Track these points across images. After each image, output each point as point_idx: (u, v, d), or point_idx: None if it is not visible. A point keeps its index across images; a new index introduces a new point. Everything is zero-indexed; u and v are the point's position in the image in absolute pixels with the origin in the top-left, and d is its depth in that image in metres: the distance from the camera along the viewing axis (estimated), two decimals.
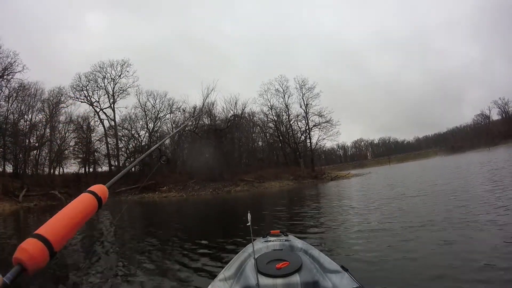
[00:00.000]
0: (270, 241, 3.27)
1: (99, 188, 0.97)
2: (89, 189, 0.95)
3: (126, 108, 40.87)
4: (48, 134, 37.75)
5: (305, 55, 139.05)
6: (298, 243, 3.16)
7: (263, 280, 2.37)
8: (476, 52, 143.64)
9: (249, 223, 2.94)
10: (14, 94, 34.61)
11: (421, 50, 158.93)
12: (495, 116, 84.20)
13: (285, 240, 3.24)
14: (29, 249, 0.67)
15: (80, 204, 0.87)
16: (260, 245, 3.14)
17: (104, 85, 40.46)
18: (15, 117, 35.00)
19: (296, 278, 2.40)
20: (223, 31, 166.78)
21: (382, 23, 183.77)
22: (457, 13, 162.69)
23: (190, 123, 37.61)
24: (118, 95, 40.77)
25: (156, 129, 40.17)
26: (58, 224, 0.76)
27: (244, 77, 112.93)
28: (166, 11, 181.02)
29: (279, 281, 2.37)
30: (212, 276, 3.29)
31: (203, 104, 39.33)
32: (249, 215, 3.01)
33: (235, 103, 42.40)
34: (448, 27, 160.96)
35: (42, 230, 0.73)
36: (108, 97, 40.57)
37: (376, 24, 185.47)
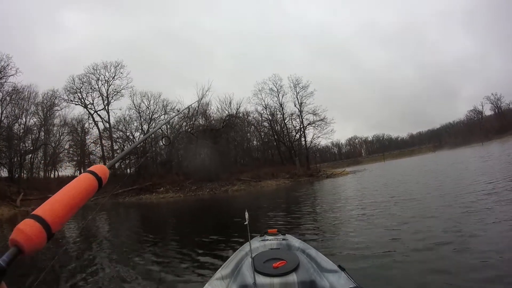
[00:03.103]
0: (267, 240, 3.30)
1: (100, 168, 0.93)
2: (89, 169, 0.92)
3: (120, 109, 40.77)
4: (43, 138, 37.63)
5: (295, 52, 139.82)
6: (295, 242, 3.18)
7: (260, 279, 2.39)
8: (470, 46, 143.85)
9: (246, 222, 2.94)
10: (8, 98, 34.44)
11: (414, 44, 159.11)
12: (487, 111, 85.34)
13: (283, 239, 3.27)
14: (26, 230, 0.65)
15: (80, 184, 0.84)
16: (257, 244, 3.17)
17: (98, 87, 40.29)
18: (9, 121, 34.84)
19: (293, 277, 2.41)
20: (215, 31, 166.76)
21: (374, 16, 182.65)
22: (451, 5, 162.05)
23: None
24: (112, 97, 40.64)
25: (150, 130, 39.95)
26: (56, 204, 0.74)
27: (234, 75, 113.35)
28: (155, 10, 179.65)
29: (276, 280, 2.38)
30: (209, 275, 3.35)
31: (199, 102, 39.44)
32: (246, 214, 3.01)
33: (230, 103, 42.66)
34: (442, 20, 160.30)
35: (39, 210, 0.70)
36: (102, 99, 40.41)
37: (367, 16, 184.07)
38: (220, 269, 2.63)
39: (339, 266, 2.45)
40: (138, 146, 38.94)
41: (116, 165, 38.96)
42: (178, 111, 38.23)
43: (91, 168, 0.92)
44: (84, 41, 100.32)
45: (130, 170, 39.01)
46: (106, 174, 0.95)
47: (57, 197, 0.76)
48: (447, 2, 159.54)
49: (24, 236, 0.64)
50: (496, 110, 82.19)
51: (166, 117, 39.87)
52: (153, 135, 39.20)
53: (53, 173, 40.34)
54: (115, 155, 39.11)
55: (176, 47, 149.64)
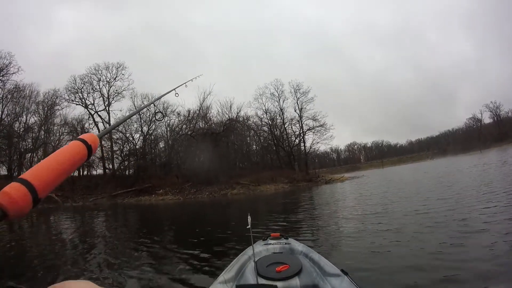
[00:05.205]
0: (270, 244, 3.31)
1: (90, 137, 0.90)
2: (79, 137, 0.88)
3: (120, 111, 40.67)
4: (43, 137, 37.67)
5: (294, 54, 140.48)
6: (298, 246, 3.18)
7: (263, 283, 2.39)
8: (470, 51, 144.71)
9: (249, 226, 2.87)
10: (9, 96, 34.54)
11: (413, 47, 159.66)
12: (486, 119, 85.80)
13: (285, 243, 3.28)
14: (11, 193, 0.63)
15: (69, 151, 0.81)
16: (260, 248, 3.18)
17: (99, 88, 40.37)
18: (10, 119, 34.92)
19: (296, 281, 2.41)
20: (215, 36, 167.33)
21: (372, 18, 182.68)
22: (450, 6, 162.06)
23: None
24: (113, 98, 40.71)
25: (150, 132, 40.01)
26: (44, 170, 0.72)
27: (231, 75, 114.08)
28: (155, 10, 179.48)
29: (279, 284, 2.35)
30: (212, 278, 3.33)
31: (200, 105, 39.75)
32: (249, 218, 2.93)
33: (230, 106, 43.09)
34: (442, 24, 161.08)
35: (27, 175, 0.68)
36: (103, 99, 40.46)
37: (365, 18, 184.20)
38: (223, 273, 2.63)
39: (342, 270, 2.46)
40: (137, 146, 39.17)
41: (116, 166, 39.10)
42: (178, 111, 38.36)
43: (82, 136, 0.89)
44: (81, 41, 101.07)
45: (128, 172, 39.00)
46: (96, 142, 0.92)
47: (45, 162, 0.74)
48: (446, 2, 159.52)
49: (9, 199, 0.62)
50: (495, 118, 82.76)
51: (166, 119, 39.97)
52: (152, 133, 39.42)
53: None
54: (114, 156, 39.16)
55: (178, 50, 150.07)
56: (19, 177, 0.67)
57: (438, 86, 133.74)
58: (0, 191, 0.63)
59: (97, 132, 28.89)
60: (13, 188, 0.64)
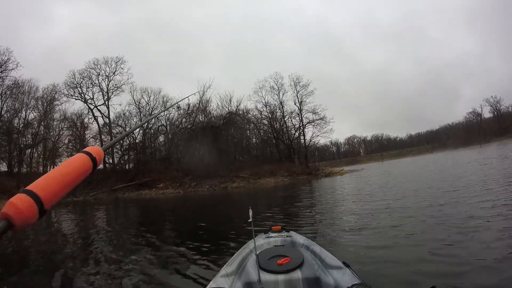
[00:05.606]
0: (271, 237, 3.32)
1: (95, 150, 0.93)
2: (84, 149, 0.92)
3: (120, 105, 40.42)
4: (43, 132, 37.61)
5: (293, 48, 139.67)
6: (299, 239, 3.20)
7: (265, 276, 2.39)
8: (470, 45, 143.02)
9: (250, 219, 2.93)
10: (8, 92, 34.42)
11: (414, 42, 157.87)
12: (486, 114, 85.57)
13: (287, 236, 3.29)
14: (18, 204, 0.65)
15: (75, 163, 0.85)
16: (262, 241, 3.19)
17: (98, 82, 40.03)
18: (9, 115, 34.83)
19: (297, 274, 2.41)
20: (217, 32, 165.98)
21: (372, 10, 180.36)
22: (452, 1, 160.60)
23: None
24: (112, 92, 40.39)
25: (150, 126, 39.95)
26: (50, 181, 0.74)
27: (231, 70, 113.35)
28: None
29: (281, 277, 2.38)
30: (214, 272, 3.36)
31: (200, 99, 39.63)
32: (250, 212, 2.99)
33: (230, 100, 42.99)
34: (443, 17, 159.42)
35: (33, 186, 0.71)
36: (102, 94, 40.14)
37: (366, 11, 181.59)
38: (224, 266, 2.64)
39: (344, 263, 2.48)
40: (137, 140, 39.15)
41: (116, 160, 39.13)
42: (178, 105, 38.20)
43: (86, 149, 0.93)
44: (80, 36, 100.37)
45: (129, 166, 39.05)
46: (100, 155, 0.95)
47: (51, 174, 0.77)
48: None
49: (15, 210, 0.64)
50: (495, 112, 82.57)
51: (166, 112, 39.86)
52: (151, 127, 39.31)
53: (52, 167, 40.31)
54: (114, 150, 39.08)
55: (177, 44, 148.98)
56: (25, 188, 0.70)
57: (438, 80, 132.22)
58: (7, 202, 0.65)
59: (97, 127, 28.85)
60: (19, 199, 0.66)
